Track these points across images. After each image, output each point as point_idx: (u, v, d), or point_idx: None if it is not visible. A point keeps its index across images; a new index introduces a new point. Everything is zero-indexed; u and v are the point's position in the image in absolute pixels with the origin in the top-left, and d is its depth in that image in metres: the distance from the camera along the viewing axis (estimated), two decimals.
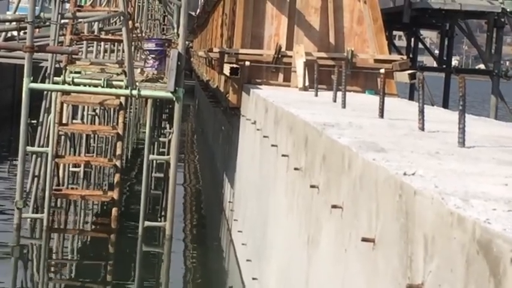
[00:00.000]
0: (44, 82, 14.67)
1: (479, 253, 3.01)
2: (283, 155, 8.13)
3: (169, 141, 15.51)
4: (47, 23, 15.91)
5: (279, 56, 14.09)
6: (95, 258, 13.12)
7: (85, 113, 18.18)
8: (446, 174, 4.17)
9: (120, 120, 14.83)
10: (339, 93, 9.47)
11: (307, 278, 6.45)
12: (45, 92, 15.07)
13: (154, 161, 15.81)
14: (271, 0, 14.55)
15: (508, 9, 15.41)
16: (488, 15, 15.94)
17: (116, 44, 20.35)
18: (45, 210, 13.34)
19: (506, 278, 2.79)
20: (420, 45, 19.63)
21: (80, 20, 16.49)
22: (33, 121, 14.33)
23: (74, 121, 17.05)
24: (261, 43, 14.47)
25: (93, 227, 14.89)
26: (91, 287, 11.51)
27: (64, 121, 14.88)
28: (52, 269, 12.54)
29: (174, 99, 13.25)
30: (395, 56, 14.89)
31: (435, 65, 19.06)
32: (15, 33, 21.01)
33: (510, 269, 2.76)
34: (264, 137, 9.89)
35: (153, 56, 15.36)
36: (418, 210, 3.75)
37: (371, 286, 4.48)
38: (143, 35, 24.25)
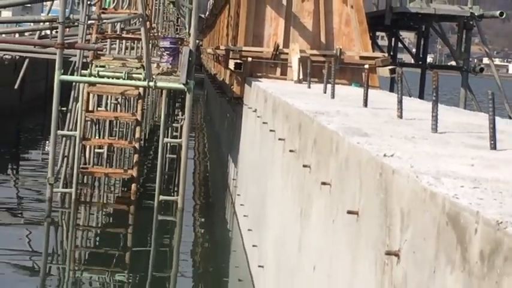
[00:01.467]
0: (73, 75, 14.68)
1: (448, 224, 3.02)
2: (279, 139, 8.14)
3: (181, 126, 15.50)
4: (76, 24, 15.89)
5: (277, 53, 14.09)
6: (116, 227, 13.17)
7: (108, 101, 18.20)
8: (420, 156, 4.18)
9: (139, 108, 14.86)
10: (329, 86, 9.47)
11: (299, 245, 6.46)
12: (74, 83, 15.06)
13: (168, 144, 15.85)
14: (271, 5, 14.53)
15: (476, 14, 15.38)
16: (459, 18, 15.91)
17: (135, 41, 20.35)
18: (73, 185, 13.39)
19: (471, 246, 2.80)
20: (400, 45, 19.60)
21: (104, 20, 16.51)
22: (63, 108, 14.36)
23: (99, 108, 17.06)
24: (261, 42, 14.47)
25: (114, 200, 14.94)
26: (113, 251, 11.54)
27: (90, 108, 14.90)
28: (79, 235, 12.59)
29: (186, 90, 13.26)
30: (378, 54, 14.87)
31: (412, 61, 19.02)
32: (48, 32, 21.00)
33: (475, 238, 2.77)
34: (264, 123, 9.89)
35: (168, 52, 15.37)
36: (395, 186, 3.75)
37: (355, 252, 4.50)
38: (159, 34, 24.23)
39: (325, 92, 9.78)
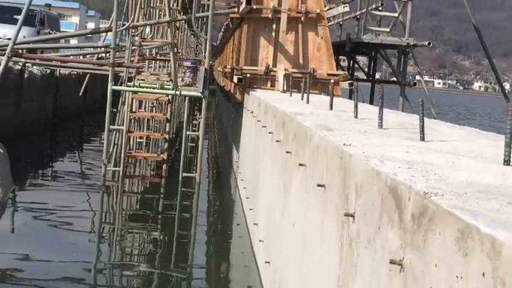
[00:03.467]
0: (121, 85, 14.66)
1: (389, 194, 3.02)
2: (269, 132, 8.15)
3: (199, 123, 15.49)
4: (123, 49, 15.88)
5: (268, 71, 14.08)
6: (151, 194, 13.19)
7: (147, 105, 18.19)
8: (370, 145, 4.18)
9: (169, 109, 14.86)
10: (305, 95, 9.47)
11: (283, 209, 6.47)
12: (122, 92, 15.05)
13: (189, 136, 15.82)
14: (263, 36, 14.51)
15: (411, 43, 15.36)
16: (399, 47, 15.88)
17: (166, 62, 20.32)
18: (121, 165, 13.40)
19: (406, 210, 2.80)
20: (356, 65, 19.56)
21: (143, 47, 16.47)
22: (114, 110, 14.37)
23: (140, 110, 17.04)
24: (257, 62, 14.46)
25: (150, 175, 14.95)
26: (149, 211, 11.57)
27: (133, 110, 14.89)
28: (125, 200, 12.61)
29: (202, 97, 13.26)
30: (340, 72, 14.86)
31: (365, 77, 18.99)
32: (103, 54, 20.96)
33: (408, 204, 2.77)
34: (258, 121, 9.90)
35: (189, 70, 15.36)
36: (352, 167, 3.75)
37: (323, 214, 4.50)
38: (183, 56, 24.16)
39: (302, 99, 9.79)
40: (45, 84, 20.52)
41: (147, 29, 18.62)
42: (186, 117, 14.33)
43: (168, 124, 14.69)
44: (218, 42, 37.46)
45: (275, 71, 14.04)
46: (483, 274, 2.04)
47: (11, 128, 16.62)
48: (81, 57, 20.15)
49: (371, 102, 16.73)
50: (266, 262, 7.06)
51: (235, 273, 8.42)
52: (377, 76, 19.74)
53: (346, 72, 15.41)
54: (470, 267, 2.14)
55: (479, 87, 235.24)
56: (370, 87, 17.90)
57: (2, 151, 11.12)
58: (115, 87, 13.36)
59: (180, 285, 7.86)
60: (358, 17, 17.53)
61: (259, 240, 7.98)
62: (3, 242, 8.77)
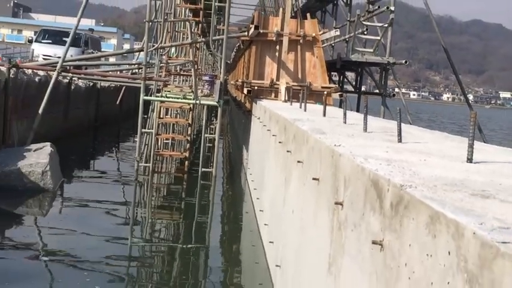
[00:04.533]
0: (151, 96, 14.69)
1: (371, 186, 3.02)
2: (273, 135, 8.15)
3: (215, 127, 15.51)
4: (153, 65, 15.90)
5: (272, 84, 14.07)
6: (176, 186, 13.19)
7: (172, 112, 18.20)
8: (356, 146, 4.18)
9: (190, 116, 14.86)
10: (303, 104, 9.46)
11: (284, 199, 6.48)
12: (151, 101, 15.08)
13: (207, 137, 15.85)
14: (269, 55, 14.50)
15: (390, 61, 15.31)
16: (381, 64, 15.84)
17: (188, 76, 20.35)
18: (151, 161, 13.41)
19: (385, 199, 2.80)
20: (345, 80, 19.50)
21: (170, 64, 16.49)
22: (145, 116, 14.39)
23: (166, 116, 17.06)
24: (263, 77, 14.46)
25: (175, 170, 14.95)
26: (173, 201, 11.58)
27: (161, 116, 14.91)
28: (154, 191, 12.61)
29: (218, 105, 13.27)
30: (332, 85, 14.84)
31: (353, 90, 18.93)
32: (136, 70, 20.96)
33: (387, 194, 2.77)
34: (264, 125, 9.90)
35: (207, 83, 15.36)
36: (341, 164, 3.76)
37: (317, 202, 4.50)
38: (202, 72, 24.19)
39: (300, 108, 9.78)
40: (89, 94, 20.60)
41: (173, 49, 18.66)
42: (205, 122, 14.36)
43: (189, 128, 14.70)
44: (231, 60, 37.47)
45: (278, 84, 14.04)
46: (449, 252, 2.05)
47: (60, 131, 16.69)
48: (118, 72, 20.20)
49: (357, 111, 16.69)
50: (270, 242, 7.06)
51: (244, 251, 8.42)
52: (362, 88, 19.66)
53: (337, 86, 15.38)
54: (438, 247, 2.15)
55: (448, 98, 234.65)
56: (357, 98, 17.85)
57: (52, 150, 11.18)
58: (146, 98, 13.39)
59: (198, 260, 7.88)
60: (347, 39, 17.51)
61: (265, 224, 7.99)
62: (53, 224, 8.82)
